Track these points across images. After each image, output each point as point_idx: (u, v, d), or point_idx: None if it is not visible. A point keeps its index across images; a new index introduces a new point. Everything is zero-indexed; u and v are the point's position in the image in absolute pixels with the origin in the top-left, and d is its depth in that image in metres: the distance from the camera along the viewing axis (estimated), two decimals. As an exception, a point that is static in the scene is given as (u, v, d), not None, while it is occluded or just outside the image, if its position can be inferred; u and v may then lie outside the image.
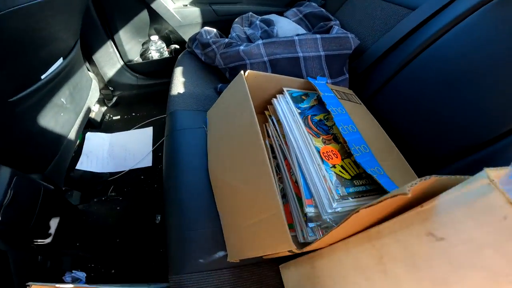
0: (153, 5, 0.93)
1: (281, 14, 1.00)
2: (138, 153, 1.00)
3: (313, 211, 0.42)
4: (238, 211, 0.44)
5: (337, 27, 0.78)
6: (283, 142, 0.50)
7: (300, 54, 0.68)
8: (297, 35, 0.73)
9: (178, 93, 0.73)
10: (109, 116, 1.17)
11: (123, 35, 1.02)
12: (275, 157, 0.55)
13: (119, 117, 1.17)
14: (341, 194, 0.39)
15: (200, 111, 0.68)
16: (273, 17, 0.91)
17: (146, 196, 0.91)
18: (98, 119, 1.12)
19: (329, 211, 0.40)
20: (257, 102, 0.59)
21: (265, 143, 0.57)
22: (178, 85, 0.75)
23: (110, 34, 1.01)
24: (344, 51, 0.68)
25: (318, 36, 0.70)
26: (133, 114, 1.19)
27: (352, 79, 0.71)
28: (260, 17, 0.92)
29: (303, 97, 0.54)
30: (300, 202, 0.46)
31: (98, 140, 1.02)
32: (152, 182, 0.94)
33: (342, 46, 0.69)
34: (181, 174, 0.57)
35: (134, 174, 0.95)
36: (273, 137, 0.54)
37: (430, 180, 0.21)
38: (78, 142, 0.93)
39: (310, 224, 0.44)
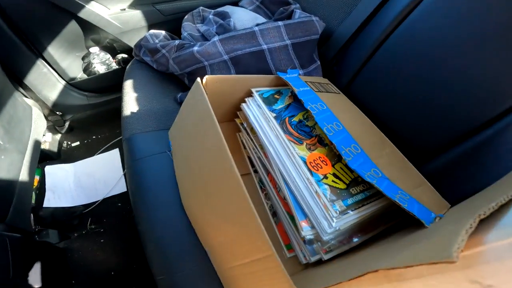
0: (81, 14, 0.79)
1: (236, 4, 0.91)
2: (108, 180, 0.90)
3: (310, 233, 0.35)
4: (226, 250, 0.36)
5: (298, 11, 0.71)
6: (262, 154, 0.43)
7: (264, 47, 0.60)
8: (257, 25, 0.65)
9: (132, 113, 0.61)
10: (67, 144, 1.03)
11: (54, 51, 0.86)
12: (256, 171, 0.47)
13: (78, 143, 1.04)
14: (340, 210, 0.33)
15: (161, 130, 0.58)
16: (227, 8, 0.81)
17: (127, 223, 0.84)
18: (55, 149, 0.97)
19: (329, 231, 0.33)
20: (225, 109, 0.51)
21: (245, 155, 0.50)
22: (130, 103, 0.64)
23: (38, 52, 0.85)
24: (312, 36, 0.62)
25: (280, 23, 0.62)
26: (93, 137, 1.06)
27: (324, 66, 0.64)
28: (212, 10, 0.82)
29: (275, 96, 0.47)
30: (293, 220, 0.39)
31: (60, 172, 0.90)
32: (130, 208, 0.85)
33: (309, 31, 0.62)
34: (153, 213, 0.47)
35: (109, 202, 0.87)
36: (249, 148, 0.47)
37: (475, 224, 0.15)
38: (39, 178, 0.85)
39: (310, 246, 0.37)
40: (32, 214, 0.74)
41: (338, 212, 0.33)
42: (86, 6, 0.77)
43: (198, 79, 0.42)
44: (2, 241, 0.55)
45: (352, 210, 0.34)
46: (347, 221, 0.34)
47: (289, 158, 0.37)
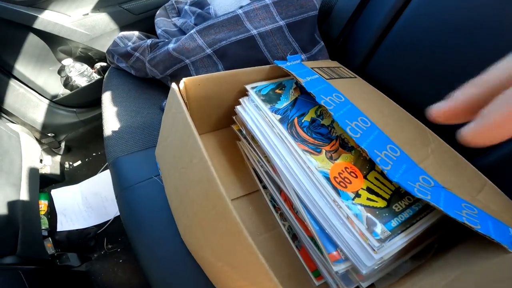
0: (37, 26, 0.69)
1: (214, -11, 0.80)
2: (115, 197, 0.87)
3: (343, 266, 0.27)
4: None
5: (286, -16, 0.60)
6: (270, 168, 0.34)
7: (254, 32, 0.50)
8: (241, 7, 0.54)
9: (113, 133, 0.53)
10: (69, 164, 1.00)
11: (23, 68, 0.78)
12: (265, 187, 0.39)
13: (79, 162, 1.01)
14: (381, 237, 0.25)
15: (148, 148, 0.49)
16: (205, -5, 0.70)
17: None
18: (57, 172, 0.93)
19: (370, 264, 0.25)
20: (218, 113, 0.42)
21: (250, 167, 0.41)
22: (111, 120, 0.55)
23: (6, 71, 0.76)
24: (309, 13, 0.51)
25: (268, 1, 0.52)
26: (93, 154, 1.02)
27: (328, 47, 0.54)
28: (188, 1, 0.71)
29: (277, 91, 0.38)
30: (318, 246, 0.31)
31: (67, 194, 0.88)
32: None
33: (304, 7, 0.52)
34: (152, 250, 0.40)
35: (121, 220, 0.86)
36: (253, 160, 0.38)
37: None
38: (47, 203, 0.84)
39: (344, 276, 0.29)
40: (50, 238, 0.75)
41: (380, 239, 0.25)
42: (40, 16, 0.68)
43: (173, 85, 0.33)
44: (16, 274, 0.54)
45: (397, 234, 0.26)
46: (392, 248, 0.25)
47: (306, 174, 0.28)
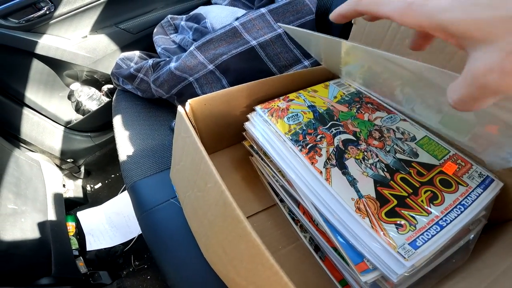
0: (39, 51, 0.71)
1: (209, 3, 0.80)
2: None
3: (372, 276, 0.26)
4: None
5: (280, -10, 0.60)
6: (285, 182, 0.34)
7: (253, 42, 0.50)
8: (237, 19, 0.54)
9: (128, 157, 0.54)
10: (91, 187, 1.04)
11: (34, 96, 0.80)
12: (282, 200, 0.39)
13: (100, 184, 1.05)
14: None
15: (162, 171, 0.50)
16: (200, 10, 0.71)
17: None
18: (80, 195, 0.97)
19: (401, 272, 0.24)
20: (229, 130, 0.42)
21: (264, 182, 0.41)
22: (124, 145, 0.56)
23: (19, 100, 0.79)
24: (306, 18, 0.51)
25: (263, 10, 0.52)
26: (112, 176, 1.06)
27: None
28: (184, 16, 0.72)
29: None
30: (343, 256, 0.31)
31: (92, 215, 0.92)
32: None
33: (300, 12, 0.52)
34: (178, 271, 0.41)
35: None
36: (267, 175, 0.38)
37: None
38: (75, 224, 0.88)
39: (374, 284, 0.29)
40: (81, 258, 0.78)
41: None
42: (39, 41, 0.70)
43: (179, 108, 0.33)
44: None
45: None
46: (424, 254, 0.25)
47: (324, 187, 0.28)
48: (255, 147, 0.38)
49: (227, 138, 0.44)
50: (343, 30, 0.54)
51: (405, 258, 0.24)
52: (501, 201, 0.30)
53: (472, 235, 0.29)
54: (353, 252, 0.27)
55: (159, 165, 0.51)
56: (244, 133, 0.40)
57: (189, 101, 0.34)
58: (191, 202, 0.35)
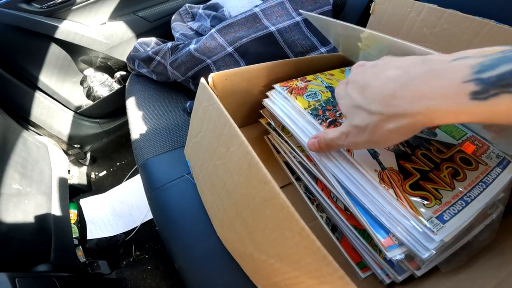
0: (59, 35, 0.72)
1: (225, -7, 0.82)
2: (141, 205, 0.91)
3: (399, 252, 0.26)
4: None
5: (299, -19, 0.60)
6: (304, 158, 0.33)
7: (272, 28, 0.50)
8: (256, 6, 0.55)
9: (141, 136, 0.54)
10: (95, 175, 1.04)
11: (48, 79, 0.81)
12: (298, 178, 0.38)
13: (105, 172, 1.05)
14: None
15: (175, 149, 0.50)
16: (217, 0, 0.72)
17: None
18: (84, 182, 0.97)
19: (432, 247, 0.24)
20: (244, 110, 0.42)
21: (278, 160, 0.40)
22: (137, 124, 0.56)
23: (32, 83, 0.80)
24: (324, 8, 0.51)
25: (283, -3, 0.53)
26: (117, 164, 1.06)
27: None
28: (201, 5, 0.73)
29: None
30: (363, 234, 0.30)
31: (95, 203, 0.91)
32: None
33: (318, 2, 0.52)
34: (188, 250, 0.40)
35: (147, 227, 0.87)
36: (284, 152, 0.37)
37: None
38: (77, 212, 0.87)
39: (395, 265, 0.28)
40: (81, 247, 0.77)
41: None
42: (60, 26, 0.71)
43: (203, 79, 0.33)
44: (50, 282, 0.55)
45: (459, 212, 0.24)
46: (456, 227, 0.24)
47: (345, 158, 0.28)
48: (273, 124, 0.38)
49: (243, 117, 0.44)
50: (360, 20, 0.55)
51: (433, 232, 0.23)
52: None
53: (495, 215, 0.28)
54: (377, 226, 0.26)
55: (172, 143, 0.51)
56: (261, 111, 0.40)
57: (212, 74, 0.34)
58: (209, 174, 0.35)
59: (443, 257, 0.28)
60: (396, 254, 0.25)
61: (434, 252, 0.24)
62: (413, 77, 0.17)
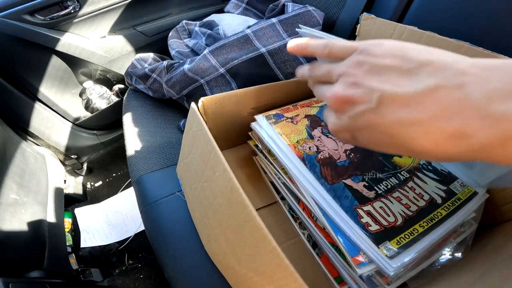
0: (60, 48, 0.74)
1: (221, 12, 0.85)
2: (135, 215, 0.92)
3: (368, 269, 0.28)
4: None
5: (290, 4, 0.64)
6: (287, 180, 0.36)
7: (263, 50, 0.53)
8: (249, 27, 0.58)
9: (136, 152, 0.56)
10: (91, 185, 1.06)
11: (47, 91, 0.83)
12: (283, 198, 0.40)
13: (100, 182, 1.06)
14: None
15: (169, 167, 0.52)
16: (213, 17, 0.75)
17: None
18: (80, 192, 0.99)
19: (396, 265, 0.26)
20: (235, 131, 0.45)
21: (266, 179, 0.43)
22: (132, 140, 0.58)
23: (32, 94, 0.82)
24: (314, 28, 0.54)
25: (274, 20, 0.56)
26: (113, 175, 1.07)
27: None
28: (198, 22, 0.76)
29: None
30: (339, 251, 0.32)
31: (90, 213, 0.93)
32: (161, 240, 0.85)
33: (308, 23, 0.55)
34: (177, 261, 0.42)
35: (141, 237, 0.89)
36: (270, 174, 0.40)
37: None
38: (71, 221, 0.89)
39: (369, 280, 0.30)
40: (74, 255, 0.78)
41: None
42: (61, 39, 0.73)
43: (193, 104, 0.35)
44: None
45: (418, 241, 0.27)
46: (419, 248, 0.26)
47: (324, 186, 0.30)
48: (260, 146, 0.40)
49: (233, 138, 0.46)
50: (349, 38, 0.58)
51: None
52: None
53: (469, 233, 0.31)
54: (350, 245, 0.29)
55: (165, 161, 0.53)
56: (250, 133, 0.42)
57: (202, 98, 0.37)
58: (197, 194, 0.37)
59: (412, 273, 0.30)
60: (365, 271, 0.28)
61: (401, 269, 0.26)
62: None
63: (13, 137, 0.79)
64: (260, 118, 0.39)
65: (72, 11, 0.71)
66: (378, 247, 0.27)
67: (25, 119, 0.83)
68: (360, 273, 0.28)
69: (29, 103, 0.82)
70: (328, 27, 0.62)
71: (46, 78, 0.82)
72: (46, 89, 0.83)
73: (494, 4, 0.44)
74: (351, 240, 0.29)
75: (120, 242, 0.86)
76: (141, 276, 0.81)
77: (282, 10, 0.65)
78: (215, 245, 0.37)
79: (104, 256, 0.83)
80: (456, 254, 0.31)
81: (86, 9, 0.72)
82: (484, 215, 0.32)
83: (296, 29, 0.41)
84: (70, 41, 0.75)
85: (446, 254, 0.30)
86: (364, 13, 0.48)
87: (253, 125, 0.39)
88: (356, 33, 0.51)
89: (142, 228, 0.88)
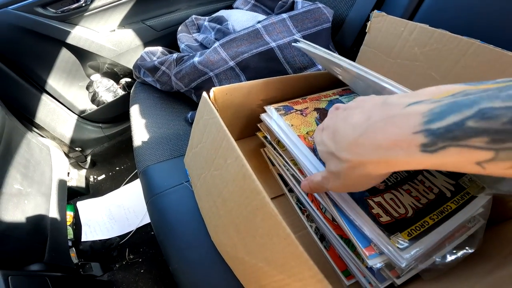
0: (70, 41, 0.75)
1: (230, 8, 0.85)
2: (138, 209, 0.92)
3: (379, 260, 0.28)
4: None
5: (300, 0, 0.64)
6: (296, 171, 0.36)
7: (273, 44, 0.53)
8: (259, 22, 0.58)
9: (143, 143, 0.56)
10: (94, 178, 1.06)
11: (55, 83, 0.84)
12: (291, 190, 0.40)
13: (103, 176, 1.06)
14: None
15: (176, 157, 0.52)
16: (222, 13, 0.76)
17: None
18: (83, 185, 0.99)
19: (408, 257, 0.26)
20: (243, 122, 0.45)
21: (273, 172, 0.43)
22: (140, 131, 0.59)
23: (40, 86, 0.83)
24: (323, 25, 0.54)
25: (284, 15, 0.56)
26: (117, 168, 1.08)
27: (343, 56, 0.57)
28: (207, 17, 0.77)
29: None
30: (349, 244, 0.32)
31: (92, 206, 0.93)
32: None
33: (318, 20, 0.55)
34: (182, 253, 0.42)
35: (143, 231, 0.89)
36: (278, 165, 0.40)
37: None
38: (73, 214, 0.88)
39: (377, 273, 0.30)
40: (74, 248, 0.78)
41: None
42: (72, 31, 0.74)
43: (204, 93, 0.35)
44: (43, 281, 0.56)
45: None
46: (430, 241, 0.26)
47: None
48: (269, 137, 0.40)
49: (241, 130, 0.46)
50: (357, 38, 0.58)
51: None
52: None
53: (478, 227, 0.31)
54: (360, 236, 0.29)
55: (172, 152, 0.53)
56: (259, 124, 0.42)
57: (213, 88, 0.37)
58: (206, 183, 0.37)
59: (423, 266, 0.30)
60: (376, 262, 0.27)
61: (412, 262, 0.26)
62: (372, 123, 0.18)
63: (19, 128, 0.79)
64: (270, 109, 0.39)
65: (84, 5, 0.71)
66: (390, 238, 0.27)
67: (31, 110, 0.84)
68: (371, 264, 0.28)
69: (36, 95, 0.83)
70: (337, 24, 0.62)
71: (54, 70, 0.83)
72: (54, 81, 0.84)
73: (506, 4, 0.44)
74: (362, 231, 0.28)
75: (121, 237, 0.86)
76: (142, 271, 0.81)
77: (291, 7, 0.65)
78: (223, 236, 0.36)
79: (105, 250, 0.83)
80: (467, 248, 0.30)
81: (97, 2, 0.73)
82: (493, 210, 0.31)
83: (293, 44, 0.41)
84: (80, 34, 0.76)
85: (457, 249, 0.30)
86: (375, 11, 0.48)
87: (263, 116, 0.39)
88: (367, 30, 0.51)
89: (144, 222, 0.88)
